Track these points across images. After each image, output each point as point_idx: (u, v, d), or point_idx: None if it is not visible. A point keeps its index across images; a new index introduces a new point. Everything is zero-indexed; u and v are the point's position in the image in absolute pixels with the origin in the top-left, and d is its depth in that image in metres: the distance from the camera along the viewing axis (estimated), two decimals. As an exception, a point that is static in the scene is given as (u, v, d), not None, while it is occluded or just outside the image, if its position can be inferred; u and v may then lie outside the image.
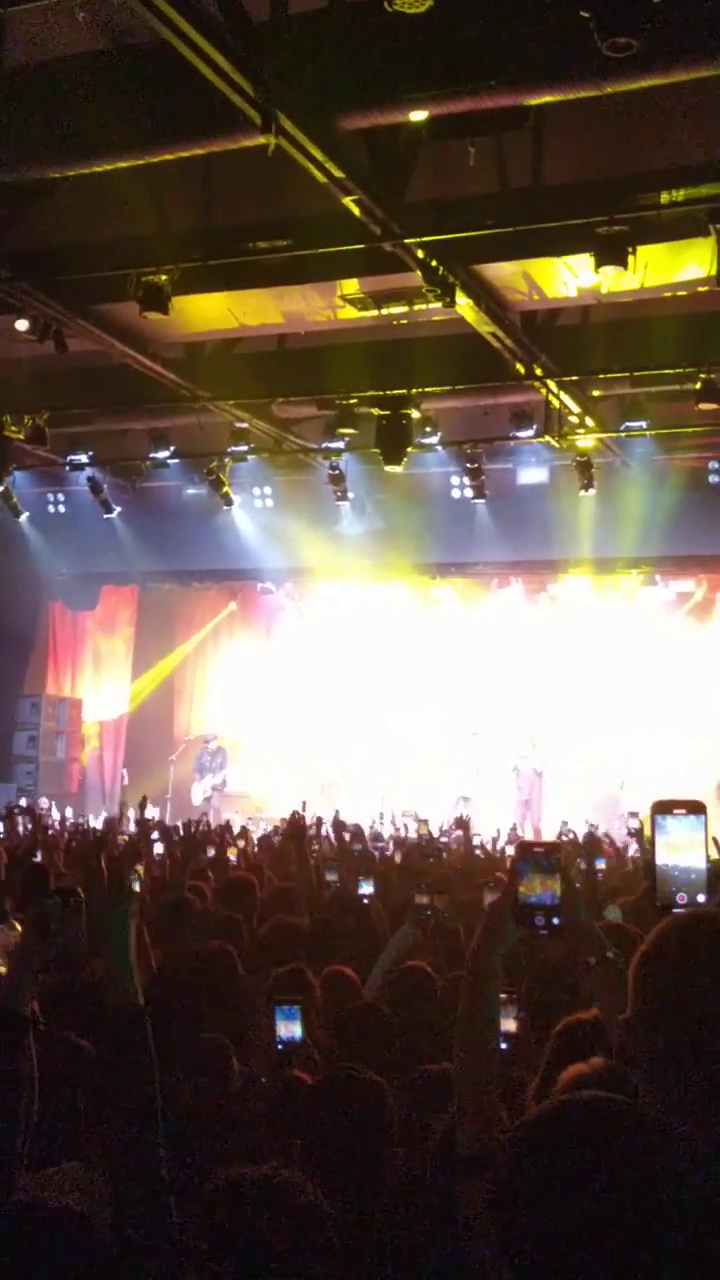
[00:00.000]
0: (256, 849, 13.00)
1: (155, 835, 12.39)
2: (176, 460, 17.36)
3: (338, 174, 9.02)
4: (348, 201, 9.44)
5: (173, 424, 16.69)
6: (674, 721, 18.68)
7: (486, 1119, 2.36)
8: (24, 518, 19.72)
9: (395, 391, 14.57)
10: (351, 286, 12.09)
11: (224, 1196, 2.28)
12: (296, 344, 14.76)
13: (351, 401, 15.09)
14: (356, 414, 15.28)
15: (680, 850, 2.58)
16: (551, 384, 13.88)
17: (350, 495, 17.74)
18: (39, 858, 9.85)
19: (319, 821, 12.39)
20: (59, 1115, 3.44)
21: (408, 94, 8.23)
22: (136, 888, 7.54)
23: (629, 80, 7.66)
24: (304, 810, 7.89)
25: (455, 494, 17.75)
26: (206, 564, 21.02)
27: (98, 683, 23.03)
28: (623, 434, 15.29)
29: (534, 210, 10.18)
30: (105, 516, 18.93)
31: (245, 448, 16.51)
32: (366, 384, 14.70)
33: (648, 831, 2.62)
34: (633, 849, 12.12)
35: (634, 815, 11.79)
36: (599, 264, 9.92)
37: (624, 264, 9.83)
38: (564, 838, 12.85)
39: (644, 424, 14.78)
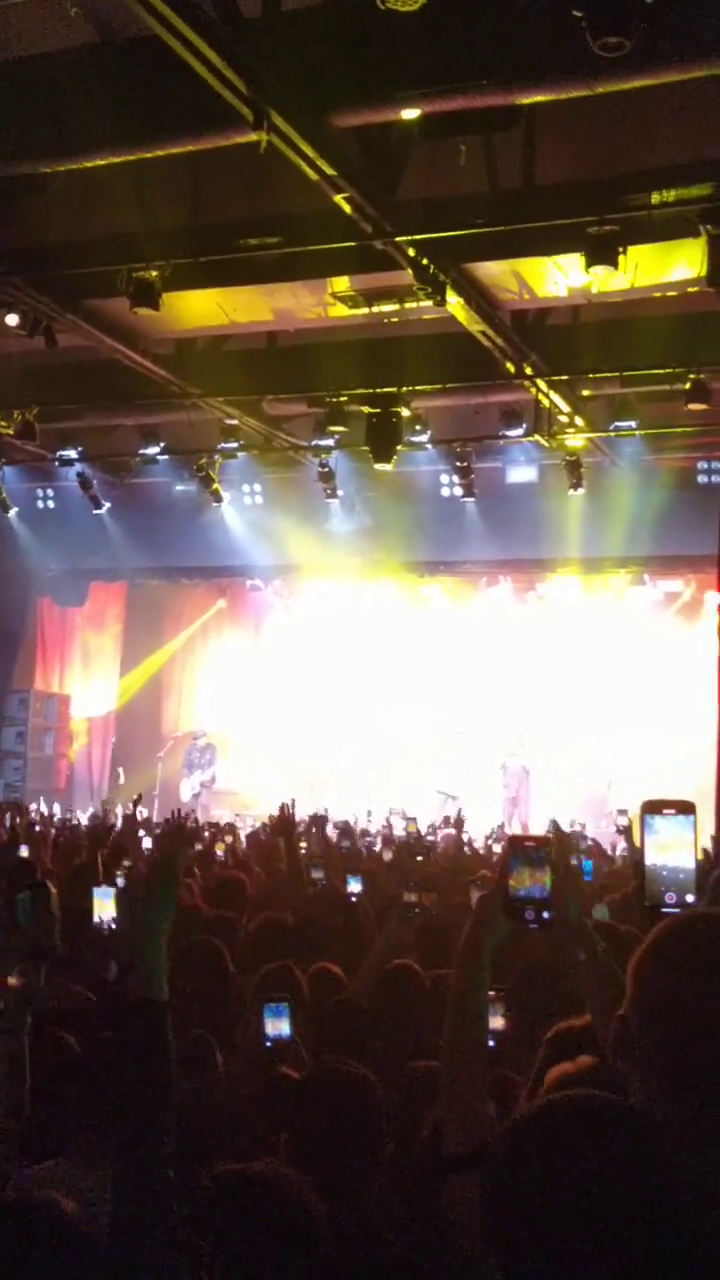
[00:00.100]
0: (244, 845, 13.00)
1: (142, 832, 12.41)
2: (166, 456, 17.36)
3: (329, 171, 9.01)
4: (339, 199, 9.44)
5: (162, 420, 16.68)
6: (662, 721, 18.74)
7: (474, 1116, 2.36)
8: (13, 513, 19.69)
9: (385, 389, 14.57)
10: (342, 284, 12.08)
11: (216, 1193, 2.29)
12: (287, 341, 14.75)
13: (342, 399, 15.08)
14: (346, 411, 15.27)
15: (669, 850, 2.59)
16: (541, 383, 13.90)
17: (340, 493, 17.75)
18: (25, 853, 9.85)
19: (311, 819, 12.38)
20: (47, 1112, 3.45)
21: (400, 92, 8.23)
22: (122, 883, 7.56)
23: (620, 80, 7.68)
24: (293, 807, 7.87)
25: (445, 492, 17.76)
26: (195, 560, 21.00)
27: (86, 679, 23.01)
28: (612, 433, 15.31)
29: (525, 209, 10.19)
30: (94, 512, 18.90)
31: (235, 444, 16.50)
32: (357, 382, 14.69)
33: (636, 830, 2.63)
34: (620, 847, 12.14)
35: (622, 813, 11.82)
36: (589, 264, 9.93)
37: (614, 264, 9.84)
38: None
39: (633, 424, 14.80)
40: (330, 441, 16.07)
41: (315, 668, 21.35)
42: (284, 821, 7.74)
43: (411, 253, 10.50)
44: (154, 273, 10.97)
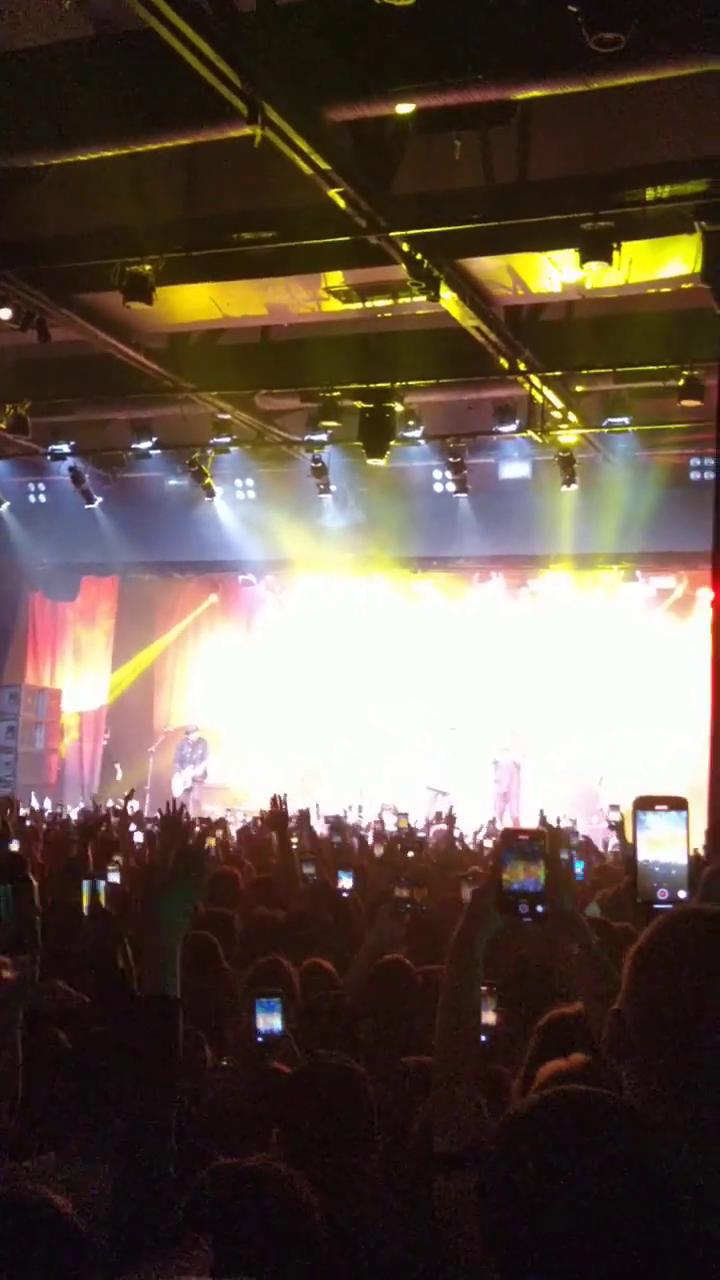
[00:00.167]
0: (235, 840, 12.99)
1: (133, 826, 12.40)
2: (158, 451, 17.34)
3: (324, 166, 9.00)
4: (333, 194, 9.43)
5: (155, 415, 16.66)
6: (654, 717, 18.75)
7: (466, 1113, 2.36)
8: (4, 507, 19.66)
9: (379, 384, 14.56)
10: (336, 279, 12.07)
11: (214, 1189, 2.28)
12: (280, 336, 14.74)
13: (335, 394, 15.06)
14: (340, 407, 15.26)
15: (662, 846, 2.60)
16: (535, 379, 13.90)
17: (332, 488, 17.74)
18: (15, 847, 9.83)
19: (299, 815, 12.36)
20: (39, 1108, 3.45)
21: (394, 87, 8.23)
22: (115, 878, 7.55)
23: (616, 76, 7.68)
24: (285, 801, 7.86)
25: (437, 488, 17.75)
26: (187, 555, 20.97)
27: (77, 673, 22.97)
28: (605, 430, 15.31)
29: (519, 205, 10.19)
30: (86, 507, 18.86)
31: (228, 439, 16.47)
32: (350, 377, 14.68)
33: (629, 827, 2.63)
34: (612, 842, 12.15)
35: (614, 809, 11.81)
36: (584, 259, 9.93)
37: (609, 260, 9.84)
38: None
39: (626, 420, 14.81)
40: (323, 436, 16.06)
41: (307, 663, 21.33)
42: (277, 815, 7.72)
43: (405, 248, 10.49)
44: (147, 267, 10.95)
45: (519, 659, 20.08)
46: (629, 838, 2.65)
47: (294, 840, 10.35)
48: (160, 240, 10.96)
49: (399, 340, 14.18)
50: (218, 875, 7.97)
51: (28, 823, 13.38)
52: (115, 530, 19.85)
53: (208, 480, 17.81)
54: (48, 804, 17.69)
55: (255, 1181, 2.30)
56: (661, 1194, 1.43)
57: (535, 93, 8.31)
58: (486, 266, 11.62)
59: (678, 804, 2.61)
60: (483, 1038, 3.23)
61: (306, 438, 16.43)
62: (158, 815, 12.92)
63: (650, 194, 9.74)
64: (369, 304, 12.32)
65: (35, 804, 16.90)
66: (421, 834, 13.31)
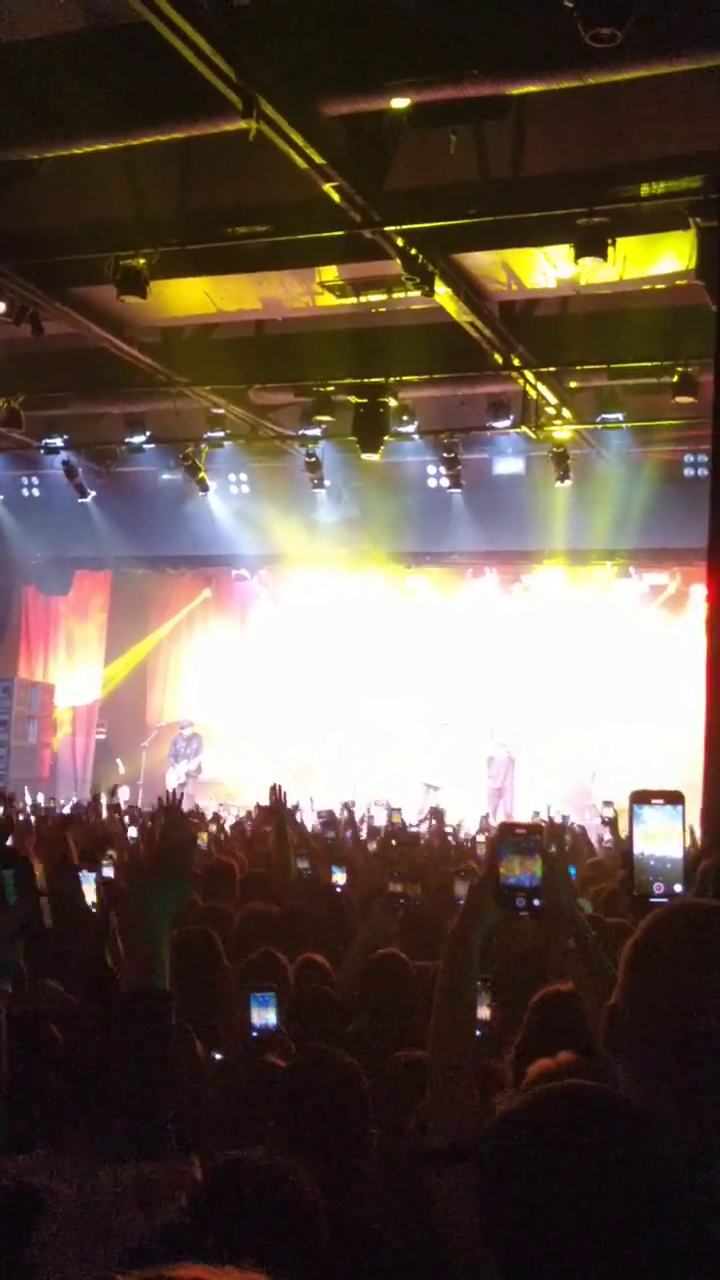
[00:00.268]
0: (229, 834, 12.98)
1: (127, 819, 12.38)
2: (152, 445, 17.30)
3: (318, 160, 8.99)
4: (328, 188, 9.42)
5: (149, 409, 16.63)
6: (647, 713, 18.77)
7: (461, 1107, 2.36)
8: (-3, 501, 19.61)
9: (373, 379, 14.56)
10: (330, 273, 12.06)
11: (214, 1182, 2.28)
12: (274, 330, 14.72)
13: (329, 389, 15.06)
14: (334, 401, 15.26)
15: (658, 840, 2.60)
16: (529, 374, 13.90)
17: (326, 483, 17.73)
18: (10, 842, 9.81)
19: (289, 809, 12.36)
20: (29, 1100, 3.44)
21: (390, 81, 8.22)
22: (109, 873, 7.53)
23: (611, 71, 7.68)
24: (283, 791, 7.84)
25: (431, 483, 17.76)
26: (181, 550, 20.95)
27: (70, 667, 22.94)
28: (599, 426, 15.31)
29: (514, 200, 10.18)
30: (80, 501, 18.83)
31: (221, 433, 16.46)
32: (344, 371, 14.68)
33: (624, 821, 2.64)
34: (606, 837, 12.15)
35: (608, 804, 11.82)
36: (578, 255, 9.94)
37: (603, 255, 9.85)
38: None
39: (620, 416, 14.82)
40: (317, 431, 16.05)
41: (301, 658, 21.32)
42: (277, 804, 7.69)
43: (400, 242, 10.49)
44: (141, 260, 10.94)
45: (513, 654, 20.09)
46: (623, 833, 2.65)
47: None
48: (154, 234, 10.94)
49: (393, 335, 14.16)
50: (214, 868, 7.95)
51: (20, 816, 13.36)
52: (108, 524, 19.83)
53: (201, 475, 17.79)
54: (40, 798, 17.66)
55: (258, 1174, 2.29)
56: (661, 1189, 1.43)
57: (531, 88, 8.30)
58: (481, 262, 11.62)
59: (674, 798, 2.62)
60: (477, 1032, 3.24)
61: (300, 432, 16.40)
62: (155, 805, 12.94)
63: (645, 190, 9.73)
64: (363, 299, 12.32)
65: (28, 798, 16.88)
66: (414, 829, 13.32)
